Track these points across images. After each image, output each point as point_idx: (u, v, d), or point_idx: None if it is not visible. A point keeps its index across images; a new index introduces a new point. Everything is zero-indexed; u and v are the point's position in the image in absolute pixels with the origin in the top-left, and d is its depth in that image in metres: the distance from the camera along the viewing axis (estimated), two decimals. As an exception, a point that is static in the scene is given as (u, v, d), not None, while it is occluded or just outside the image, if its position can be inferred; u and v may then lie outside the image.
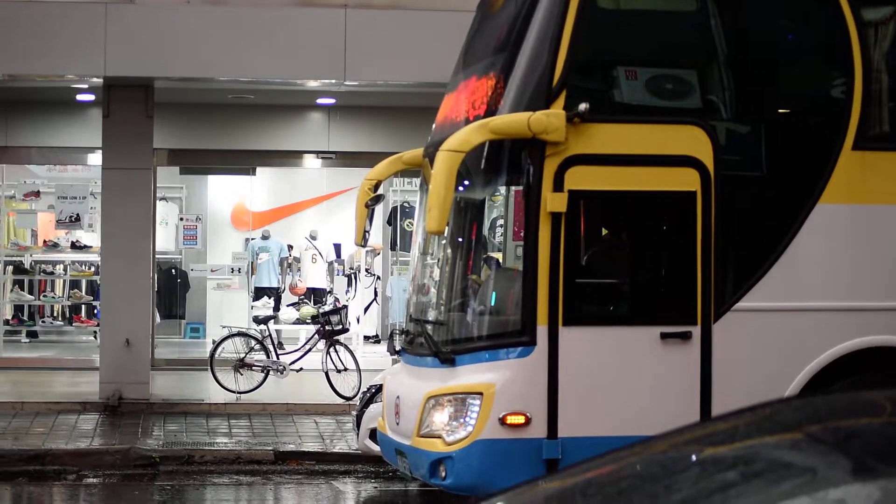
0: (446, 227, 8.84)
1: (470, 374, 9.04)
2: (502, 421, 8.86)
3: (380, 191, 10.61)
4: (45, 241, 21.59)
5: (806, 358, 9.16)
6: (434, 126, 10.24)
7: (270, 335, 16.60)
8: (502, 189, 9.11)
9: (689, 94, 9.31)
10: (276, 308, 19.63)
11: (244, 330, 16.78)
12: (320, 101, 18.15)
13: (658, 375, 9.02)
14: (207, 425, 14.60)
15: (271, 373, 16.03)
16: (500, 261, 9.22)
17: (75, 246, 21.31)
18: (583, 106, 8.83)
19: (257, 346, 16.20)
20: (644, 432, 8.74)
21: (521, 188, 8.94)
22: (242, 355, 16.06)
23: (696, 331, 9.04)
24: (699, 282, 9.02)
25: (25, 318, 21.83)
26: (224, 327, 17.11)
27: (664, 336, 9.00)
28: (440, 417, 9.13)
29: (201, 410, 15.47)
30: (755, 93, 9.43)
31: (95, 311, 20.65)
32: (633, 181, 9.02)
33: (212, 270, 22.27)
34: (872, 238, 9.31)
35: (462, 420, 8.99)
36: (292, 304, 19.46)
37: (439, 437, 9.11)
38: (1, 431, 13.94)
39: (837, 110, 9.25)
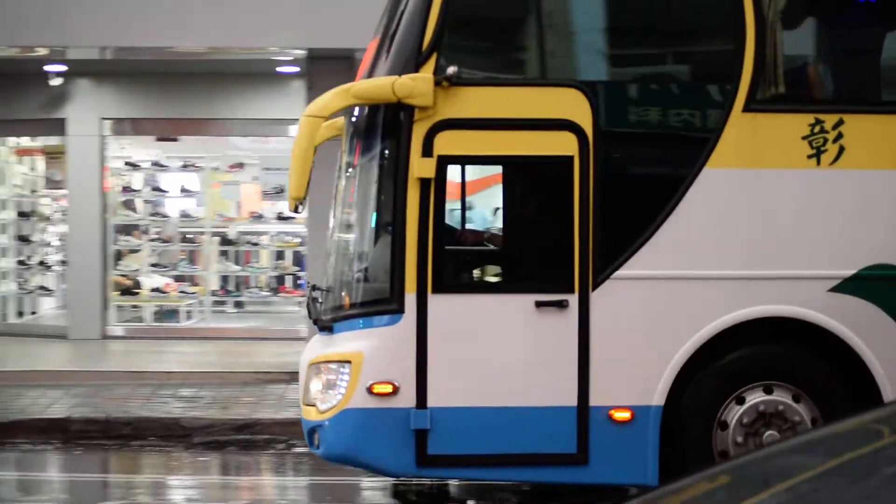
0: (301, 205, 8.67)
1: (344, 342, 8.90)
2: (370, 390, 8.70)
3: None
4: (250, 213, 21.84)
5: (692, 328, 8.81)
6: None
7: None
8: (377, 155, 8.92)
9: (568, 56, 9.03)
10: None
11: None
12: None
13: (533, 345, 8.76)
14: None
15: None
16: (375, 227, 9.03)
17: (280, 217, 21.49)
18: (451, 69, 8.61)
19: None
20: (517, 403, 8.61)
21: (393, 153, 8.75)
22: None
23: (573, 299, 8.75)
24: (576, 249, 8.73)
25: (232, 288, 22.18)
26: None
27: (539, 304, 8.73)
28: (315, 385, 9.02)
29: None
30: (639, 53, 9.10)
31: (300, 282, 20.95)
32: (507, 146, 8.76)
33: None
34: (764, 203, 8.91)
35: (333, 389, 8.86)
36: None
37: (314, 405, 9.01)
38: (210, 401, 14.30)
39: (727, 71, 8.86)
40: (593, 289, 8.75)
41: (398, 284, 8.68)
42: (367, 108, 8.88)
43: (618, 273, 8.77)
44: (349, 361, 8.78)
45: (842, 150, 8.86)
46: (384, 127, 8.78)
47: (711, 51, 9.20)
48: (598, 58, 9.08)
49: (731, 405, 8.93)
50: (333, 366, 8.86)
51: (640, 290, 8.81)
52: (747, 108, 8.81)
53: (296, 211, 8.65)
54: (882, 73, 9.42)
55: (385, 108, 8.73)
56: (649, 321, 8.82)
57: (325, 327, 9.05)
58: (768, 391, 8.95)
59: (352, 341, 8.84)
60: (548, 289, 8.76)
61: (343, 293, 9.12)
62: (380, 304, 8.78)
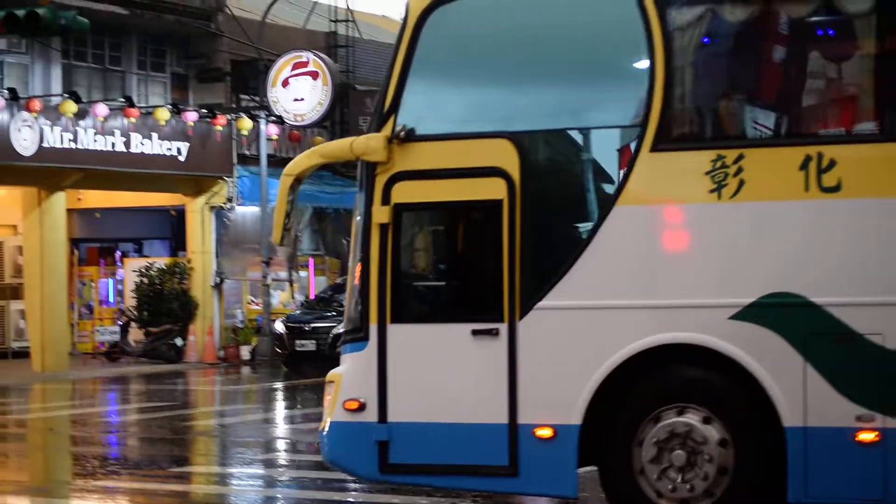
0: (285, 239, 10.38)
1: (339, 365, 10.48)
2: (344, 406, 10.21)
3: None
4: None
5: (606, 353, 9.57)
6: None
7: None
8: (358, 204, 10.41)
9: (499, 110, 10.09)
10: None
11: None
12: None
13: (471, 368, 9.90)
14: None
15: None
16: (353, 267, 10.47)
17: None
18: (398, 128, 10.03)
19: None
20: (460, 420, 9.93)
21: (364, 202, 10.27)
22: None
23: (503, 328, 9.80)
24: (505, 282, 9.79)
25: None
26: None
27: (475, 332, 9.87)
28: (324, 401, 10.65)
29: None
30: (558, 103, 9.98)
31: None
32: (449, 192, 10.01)
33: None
34: (670, 237, 9.52)
35: (327, 404, 10.46)
36: None
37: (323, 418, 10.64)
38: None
39: (637, 115, 9.58)
40: (520, 318, 9.76)
41: (364, 316, 10.16)
42: (360, 164, 10.40)
43: (540, 304, 9.73)
44: (333, 381, 10.36)
45: (742, 183, 9.31)
46: (360, 180, 10.33)
47: (622, 98, 9.85)
48: (523, 110, 10.04)
49: (648, 425, 9.54)
50: (328, 385, 10.46)
51: (560, 319, 9.71)
52: (654, 149, 9.49)
53: (281, 244, 10.43)
54: (778, 108, 9.69)
55: (361, 164, 10.28)
56: (568, 347, 9.68)
57: (339, 352, 10.67)
58: (681, 413, 9.49)
59: (341, 364, 10.40)
60: (482, 318, 9.88)
61: (343, 324, 10.70)
62: (355, 332, 10.29)
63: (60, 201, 31.01)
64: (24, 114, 28.98)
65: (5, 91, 29.16)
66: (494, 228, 9.84)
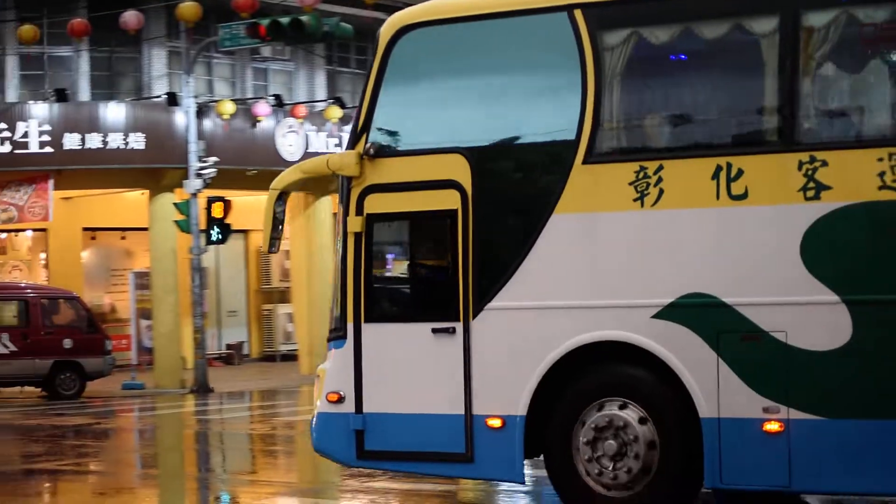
0: (272, 249, 11.49)
1: (325, 360, 11.54)
2: (328, 398, 11.28)
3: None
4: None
5: (546, 350, 10.42)
6: None
7: None
8: (339, 215, 11.42)
9: (454, 128, 10.99)
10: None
11: None
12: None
13: (432, 364, 10.86)
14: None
15: None
16: (335, 271, 11.47)
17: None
18: (368, 146, 11.03)
19: None
20: (424, 411, 10.94)
21: (342, 214, 11.30)
22: None
23: (459, 326, 10.73)
24: (460, 285, 10.71)
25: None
26: None
27: (435, 331, 10.82)
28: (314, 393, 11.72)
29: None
30: (503, 121, 10.82)
31: None
32: (413, 204, 10.97)
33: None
34: (600, 242, 10.31)
35: (315, 396, 11.52)
36: None
37: None
38: None
39: (571, 131, 10.40)
40: (473, 318, 10.69)
41: (343, 316, 11.20)
42: (340, 179, 11.43)
43: (490, 305, 10.63)
44: (319, 375, 11.43)
45: (661, 192, 10.07)
46: (340, 194, 11.35)
47: (560, 116, 10.60)
48: (475, 128, 10.93)
49: (591, 411, 10.35)
50: (316, 379, 11.54)
51: (507, 319, 10.60)
52: (586, 161, 10.31)
53: (269, 252, 11.54)
54: (692, 122, 10.37)
55: (340, 179, 11.30)
56: (514, 344, 10.57)
57: (329, 348, 11.73)
58: (622, 407, 10.27)
59: (326, 360, 11.46)
60: (440, 318, 10.83)
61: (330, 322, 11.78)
62: (337, 331, 11.34)
63: (326, 206, 32.11)
64: (290, 120, 30.22)
65: (271, 98, 30.46)
66: (451, 236, 10.77)
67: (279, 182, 11.50)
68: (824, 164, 9.61)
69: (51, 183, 30.57)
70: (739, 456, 9.87)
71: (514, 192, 10.80)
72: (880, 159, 9.45)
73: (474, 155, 10.75)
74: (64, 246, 34.40)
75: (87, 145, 30.01)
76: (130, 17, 28.58)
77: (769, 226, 9.81)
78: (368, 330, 11.10)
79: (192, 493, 14.10)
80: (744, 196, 9.85)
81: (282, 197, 11.50)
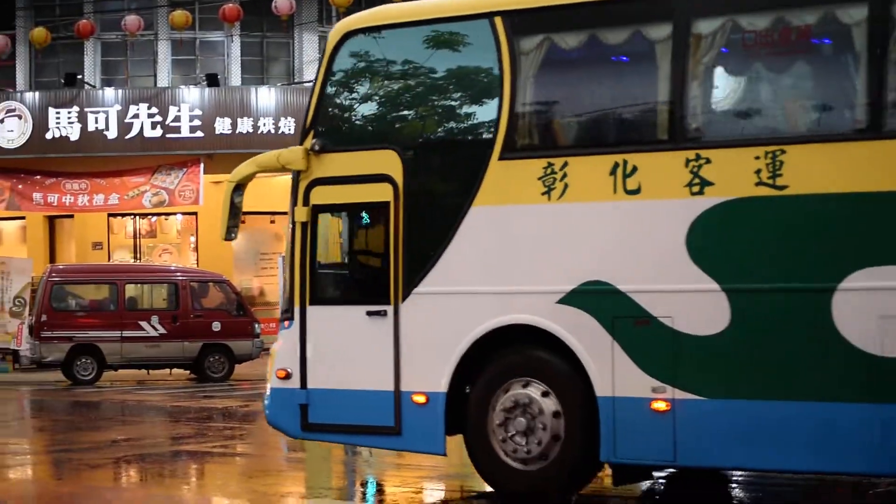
0: (231, 236, 12.44)
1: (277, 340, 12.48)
2: (277, 375, 12.20)
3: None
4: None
5: (464, 332, 11.26)
6: None
7: None
8: (290, 205, 12.33)
9: (389, 126, 11.87)
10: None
11: None
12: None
13: (367, 344, 11.73)
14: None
15: None
16: (285, 258, 12.37)
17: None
18: (312, 142, 11.93)
19: None
20: (359, 387, 11.85)
21: (292, 204, 12.21)
22: None
23: (390, 309, 11.59)
24: (391, 271, 11.58)
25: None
26: None
27: (369, 313, 11.70)
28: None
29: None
30: (431, 120, 11.66)
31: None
32: (352, 196, 11.86)
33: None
34: (512, 233, 11.11)
35: (267, 373, 12.45)
36: None
37: None
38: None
39: (489, 129, 11.21)
40: (402, 301, 11.54)
41: (291, 298, 12.12)
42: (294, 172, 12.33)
43: (416, 289, 11.49)
44: (271, 353, 12.36)
45: (566, 187, 10.84)
46: (291, 186, 12.26)
47: (480, 115, 11.43)
48: (404, 126, 11.81)
49: (499, 394, 11.16)
50: (269, 357, 12.46)
51: (431, 303, 11.44)
52: (501, 157, 11.12)
53: (226, 240, 12.50)
54: (593, 121, 11.12)
55: (293, 173, 12.20)
56: (436, 326, 11.42)
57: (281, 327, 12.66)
58: (525, 385, 11.06)
59: (277, 339, 12.39)
60: (374, 301, 11.70)
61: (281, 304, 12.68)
62: (287, 312, 12.25)
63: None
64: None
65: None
66: (384, 225, 11.64)
67: (236, 175, 12.44)
68: (708, 161, 10.32)
69: (201, 167, 31.18)
70: (631, 432, 10.61)
71: (439, 186, 11.63)
72: (757, 157, 10.14)
73: (405, 151, 11.60)
74: (213, 229, 34.97)
75: (238, 130, 30.68)
76: (283, 2, 29.01)
77: (659, 219, 10.54)
78: (313, 312, 12.00)
79: (338, 476, 14.62)
80: (637, 191, 10.59)
81: (239, 188, 12.44)
